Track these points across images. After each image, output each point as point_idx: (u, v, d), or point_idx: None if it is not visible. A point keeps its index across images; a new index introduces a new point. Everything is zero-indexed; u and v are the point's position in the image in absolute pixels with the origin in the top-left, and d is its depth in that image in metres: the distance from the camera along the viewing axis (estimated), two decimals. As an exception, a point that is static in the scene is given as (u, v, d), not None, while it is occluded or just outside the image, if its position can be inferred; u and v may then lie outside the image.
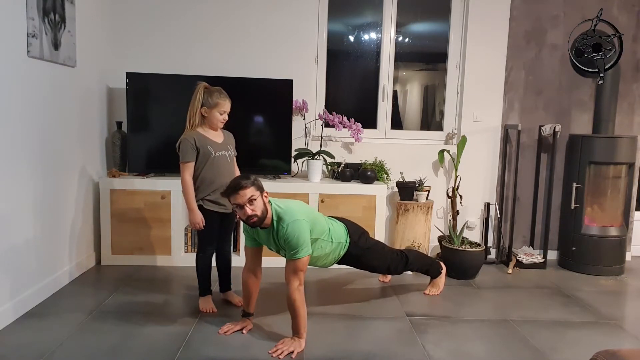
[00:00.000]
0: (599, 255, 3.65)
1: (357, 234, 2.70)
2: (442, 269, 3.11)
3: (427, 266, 3.05)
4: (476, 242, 3.51)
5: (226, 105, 2.65)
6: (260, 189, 2.28)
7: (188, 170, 2.58)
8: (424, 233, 3.68)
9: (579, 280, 3.50)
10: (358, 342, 2.39)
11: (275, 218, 2.31)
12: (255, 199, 2.23)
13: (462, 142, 3.75)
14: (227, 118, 2.68)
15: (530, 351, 2.35)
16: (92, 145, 3.43)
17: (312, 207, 2.66)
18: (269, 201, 2.33)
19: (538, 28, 3.84)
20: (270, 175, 3.68)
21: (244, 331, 2.44)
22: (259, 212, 2.24)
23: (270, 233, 2.35)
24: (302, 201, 2.55)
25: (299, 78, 3.77)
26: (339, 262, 2.70)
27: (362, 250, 2.70)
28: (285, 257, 2.34)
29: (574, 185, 3.72)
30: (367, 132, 3.92)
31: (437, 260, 3.21)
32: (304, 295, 2.30)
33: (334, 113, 3.72)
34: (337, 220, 2.69)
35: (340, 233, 2.61)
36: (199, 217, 2.58)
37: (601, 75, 3.67)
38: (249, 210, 2.22)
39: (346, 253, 2.65)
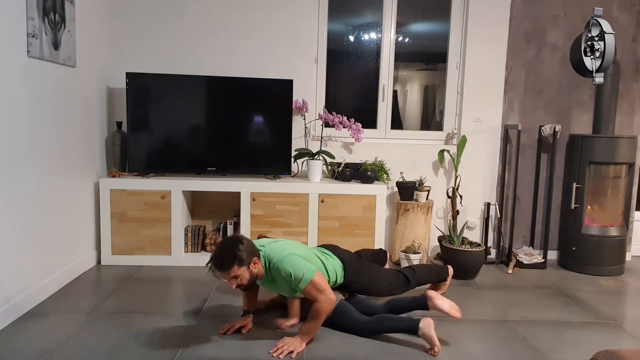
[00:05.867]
0: (599, 255, 3.65)
1: (353, 270, 2.63)
2: (448, 276, 3.05)
3: (436, 275, 2.98)
4: (476, 242, 3.51)
5: None
6: (245, 262, 2.20)
7: None
8: (424, 233, 3.68)
9: (579, 280, 3.50)
10: (358, 342, 2.39)
11: (267, 265, 2.33)
12: (239, 275, 2.20)
13: (462, 142, 3.75)
14: None
15: (530, 351, 2.35)
16: (92, 145, 3.43)
17: (301, 244, 2.57)
18: (261, 252, 2.34)
19: (538, 28, 3.84)
20: (270, 175, 3.68)
21: (243, 331, 2.43)
22: (244, 283, 2.25)
23: (268, 280, 2.38)
24: (293, 241, 2.53)
25: (299, 78, 3.78)
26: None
27: (359, 285, 2.65)
28: (295, 296, 2.38)
29: (574, 185, 3.72)
30: (367, 132, 3.93)
31: (445, 265, 3.10)
32: (330, 308, 2.30)
33: (334, 113, 3.72)
34: (332, 255, 2.64)
35: (334, 269, 2.57)
36: None
37: (593, 76, 3.67)
38: (233, 284, 2.21)
39: (341, 286, 2.62)
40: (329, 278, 2.52)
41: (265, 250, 2.37)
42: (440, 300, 2.45)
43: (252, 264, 2.24)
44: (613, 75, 3.69)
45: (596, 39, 3.40)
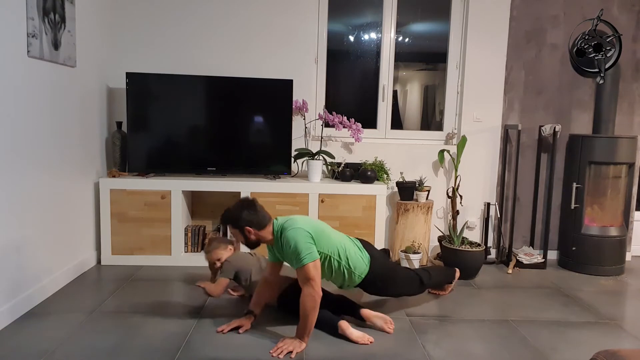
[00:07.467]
0: (599, 255, 3.65)
1: (378, 264, 2.57)
2: (454, 278, 3.05)
3: (446, 278, 3.00)
4: (476, 242, 3.51)
5: None
6: (237, 226, 2.40)
7: None
8: (424, 233, 3.68)
9: (579, 280, 3.50)
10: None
11: (279, 232, 2.41)
12: (236, 232, 2.44)
13: (462, 142, 3.75)
14: None
15: (530, 351, 2.35)
16: (92, 145, 3.43)
17: (325, 223, 2.53)
18: (275, 220, 2.46)
19: (538, 28, 3.84)
20: (270, 175, 3.68)
21: (240, 331, 2.43)
22: (241, 240, 2.46)
23: (278, 247, 2.43)
24: (311, 218, 2.55)
25: (299, 78, 3.77)
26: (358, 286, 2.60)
27: (379, 281, 2.59)
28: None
29: (574, 185, 3.72)
30: (367, 132, 3.93)
31: (453, 268, 3.11)
32: (318, 303, 2.27)
33: (334, 113, 3.72)
34: (363, 248, 2.58)
35: (359, 256, 2.51)
36: None
37: (601, 75, 3.67)
38: (234, 237, 2.54)
39: (363, 282, 2.54)
40: (349, 264, 2.47)
41: (284, 219, 2.45)
42: (350, 330, 2.40)
43: (245, 231, 2.38)
44: (613, 75, 3.69)
45: (607, 39, 3.41)
